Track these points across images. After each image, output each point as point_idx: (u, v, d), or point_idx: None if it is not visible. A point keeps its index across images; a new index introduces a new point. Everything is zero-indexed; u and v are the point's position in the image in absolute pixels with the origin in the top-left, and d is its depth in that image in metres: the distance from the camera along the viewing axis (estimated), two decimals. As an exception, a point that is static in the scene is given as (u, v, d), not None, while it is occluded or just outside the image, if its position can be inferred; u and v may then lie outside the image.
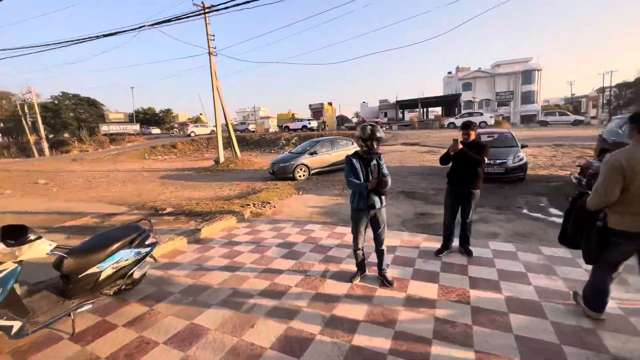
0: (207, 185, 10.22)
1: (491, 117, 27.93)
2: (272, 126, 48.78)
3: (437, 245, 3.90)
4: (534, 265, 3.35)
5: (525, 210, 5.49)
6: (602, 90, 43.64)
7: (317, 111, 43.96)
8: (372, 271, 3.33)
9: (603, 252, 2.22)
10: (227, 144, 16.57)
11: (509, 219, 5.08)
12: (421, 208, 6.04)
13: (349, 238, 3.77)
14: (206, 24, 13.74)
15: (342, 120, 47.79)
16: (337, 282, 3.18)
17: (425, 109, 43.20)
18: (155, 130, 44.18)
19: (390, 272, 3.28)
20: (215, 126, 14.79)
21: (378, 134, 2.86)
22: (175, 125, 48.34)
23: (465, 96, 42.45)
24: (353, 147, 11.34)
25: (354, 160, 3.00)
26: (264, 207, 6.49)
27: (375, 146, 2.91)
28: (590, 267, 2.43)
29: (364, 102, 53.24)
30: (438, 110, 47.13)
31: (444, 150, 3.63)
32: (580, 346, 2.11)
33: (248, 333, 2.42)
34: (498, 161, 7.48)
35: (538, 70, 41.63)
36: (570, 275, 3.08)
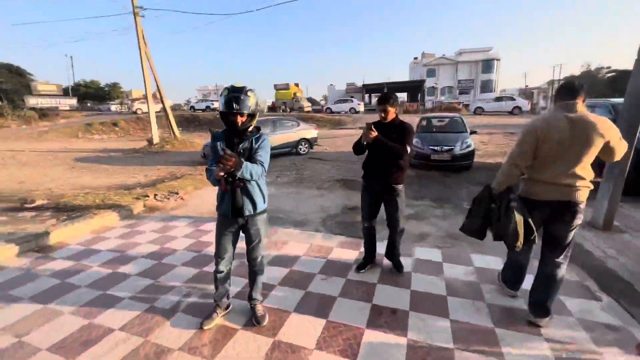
0: (124, 169, 8.67)
1: (528, 102, 23.22)
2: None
3: (353, 252, 3.06)
4: (459, 284, 2.59)
5: (466, 204, 4.86)
6: (552, 82, 46.08)
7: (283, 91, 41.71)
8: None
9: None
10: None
11: (447, 214, 4.39)
12: (355, 200, 5.20)
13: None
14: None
15: (310, 102, 45.91)
16: (189, 318, 2.18)
17: (391, 94, 42.86)
18: (116, 107, 38.08)
19: (272, 300, 2.36)
20: (146, 100, 12.78)
21: (238, 105, 1.82)
22: (126, 101, 43.36)
23: (430, 82, 42.70)
24: (299, 129, 10.25)
25: (218, 142, 2.00)
26: (168, 198, 5.29)
27: (238, 122, 1.89)
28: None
29: (331, 85, 51.78)
30: (404, 95, 47.11)
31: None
32: None
33: None
34: (445, 147, 6.83)
35: (497, 60, 42.75)
36: (501, 301, 2.35)
